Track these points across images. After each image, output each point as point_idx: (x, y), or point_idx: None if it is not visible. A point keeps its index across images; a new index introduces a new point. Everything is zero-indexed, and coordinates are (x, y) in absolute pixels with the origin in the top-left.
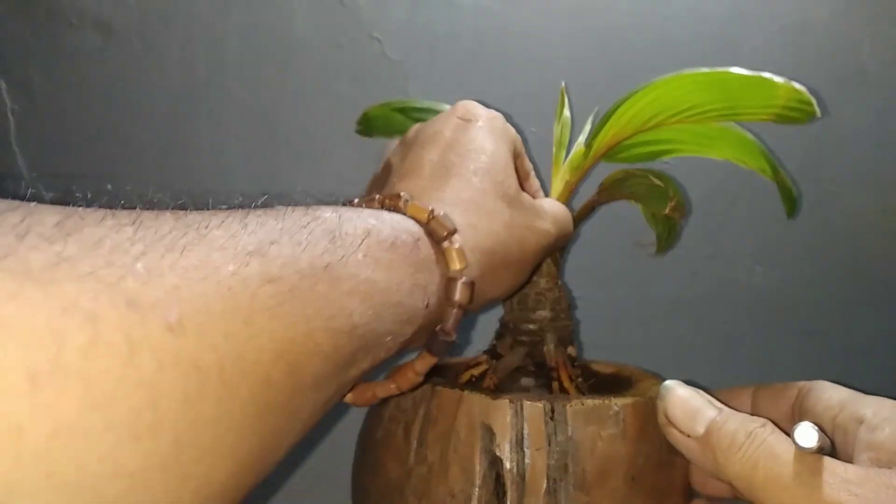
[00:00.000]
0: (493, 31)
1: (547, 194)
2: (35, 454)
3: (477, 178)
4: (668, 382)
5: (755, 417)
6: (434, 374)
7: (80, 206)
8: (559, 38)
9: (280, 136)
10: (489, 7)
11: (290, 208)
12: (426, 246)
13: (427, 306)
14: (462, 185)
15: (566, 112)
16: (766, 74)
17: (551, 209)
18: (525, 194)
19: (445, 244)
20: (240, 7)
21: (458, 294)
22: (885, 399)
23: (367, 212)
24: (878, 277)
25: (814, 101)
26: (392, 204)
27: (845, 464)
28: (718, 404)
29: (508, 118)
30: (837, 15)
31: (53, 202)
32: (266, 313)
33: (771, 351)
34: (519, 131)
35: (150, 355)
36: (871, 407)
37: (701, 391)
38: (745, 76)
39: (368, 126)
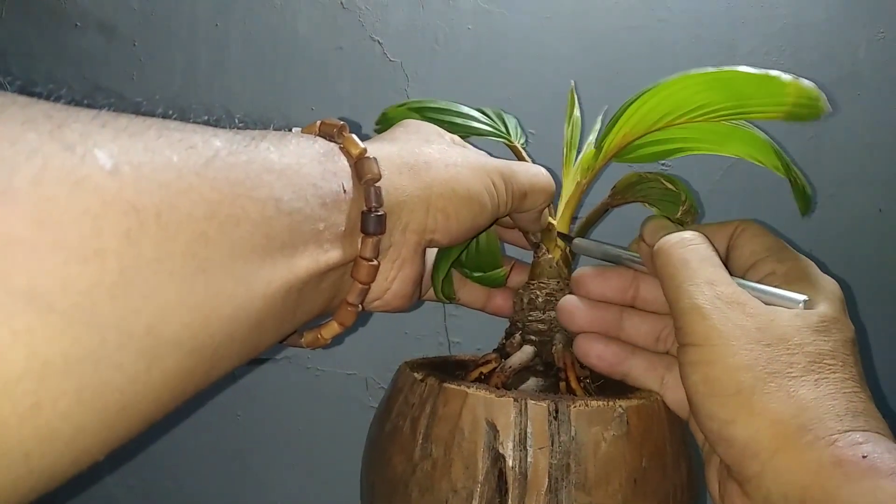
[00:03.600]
0: (492, 33)
1: (558, 196)
2: None
3: (418, 134)
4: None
5: (694, 233)
6: (444, 371)
7: None
8: (557, 41)
9: None
10: (488, 10)
11: None
12: (326, 144)
13: (345, 191)
14: (400, 134)
15: (576, 112)
16: (773, 73)
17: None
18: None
19: (345, 134)
20: (241, 9)
21: (367, 171)
22: (804, 258)
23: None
24: (874, 277)
25: (823, 97)
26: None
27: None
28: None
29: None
30: (834, 17)
31: None
32: (193, 173)
33: None
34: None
35: (93, 192)
36: (786, 264)
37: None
38: (752, 74)
39: (386, 126)
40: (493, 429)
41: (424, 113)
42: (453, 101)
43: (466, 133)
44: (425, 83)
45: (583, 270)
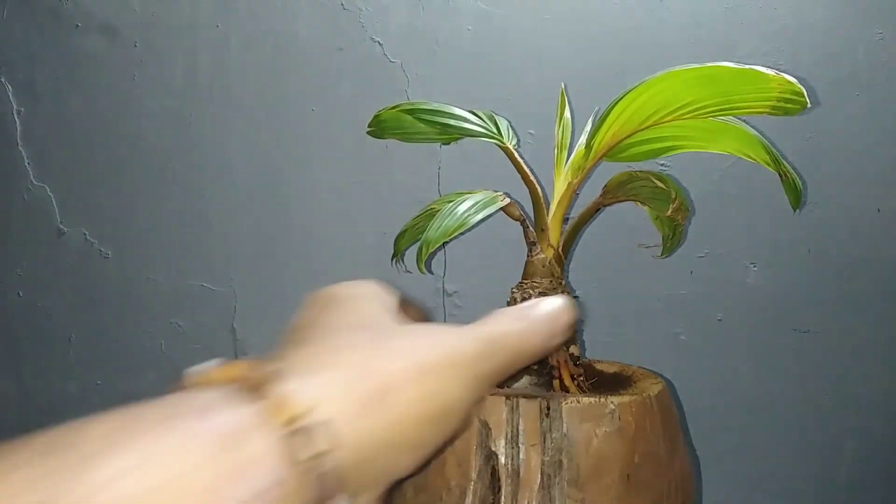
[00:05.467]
0: (491, 34)
1: (549, 198)
2: None
3: (348, 318)
4: None
5: None
6: None
7: (81, 207)
8: (557, 42)
9: (282, 136)
10: (488, 11)
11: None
12: (230, 416)
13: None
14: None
15: (566, 114)
16: (758, 67)
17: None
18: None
19: (271, 386)
20: (242, 10)
21: (310, 450)
22: None
23: None
24: (873, 276)
25: (804, 91)
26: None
27: None
28: None
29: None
30: (833, 18)
31: (57, 202)
32: None
33: (765, 349)
34: (518, 133)
35: None
36: None
37: None
38: (737, 69)
39: (380, 128)
40: (486, 427)
41: (417, 115)
42: (451, 103)
43: (460, 135)
44: (425, 84)
45: None
